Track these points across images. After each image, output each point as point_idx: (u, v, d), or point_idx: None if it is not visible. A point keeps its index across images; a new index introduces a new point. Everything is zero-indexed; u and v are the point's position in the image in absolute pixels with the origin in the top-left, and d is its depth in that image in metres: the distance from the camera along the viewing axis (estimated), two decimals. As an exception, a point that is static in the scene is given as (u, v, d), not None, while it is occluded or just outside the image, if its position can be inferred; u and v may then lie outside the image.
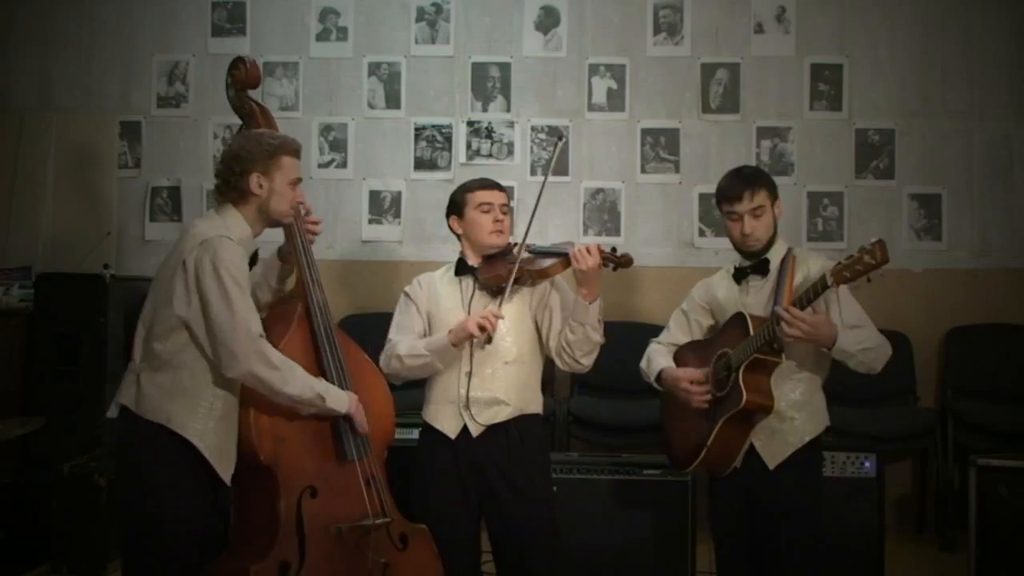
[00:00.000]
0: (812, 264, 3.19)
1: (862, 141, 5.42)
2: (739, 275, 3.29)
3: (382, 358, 3.31)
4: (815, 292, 2.97)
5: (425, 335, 3.34)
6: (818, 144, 5.42)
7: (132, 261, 5.44)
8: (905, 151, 5.40)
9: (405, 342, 3.29)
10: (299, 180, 2.98)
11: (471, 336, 3.16)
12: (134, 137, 5.63)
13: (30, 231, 5.49)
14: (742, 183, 3.21)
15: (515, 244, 3.33)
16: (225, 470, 2.83)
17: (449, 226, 3.41)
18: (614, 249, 3.20)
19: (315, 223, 3.24)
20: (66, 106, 5.66)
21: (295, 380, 2.84)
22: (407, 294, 3.40)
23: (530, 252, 3.28)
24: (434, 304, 3.35)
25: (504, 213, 3.33)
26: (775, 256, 3.24)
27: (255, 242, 2.97)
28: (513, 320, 3.28)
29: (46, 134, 5.58)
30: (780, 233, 3.31)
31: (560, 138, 3.38)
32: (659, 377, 3.35)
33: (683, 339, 3.41)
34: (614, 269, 3.21)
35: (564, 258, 3.21)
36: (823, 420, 3.25)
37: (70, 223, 5.52)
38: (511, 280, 3.19)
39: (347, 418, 2.98)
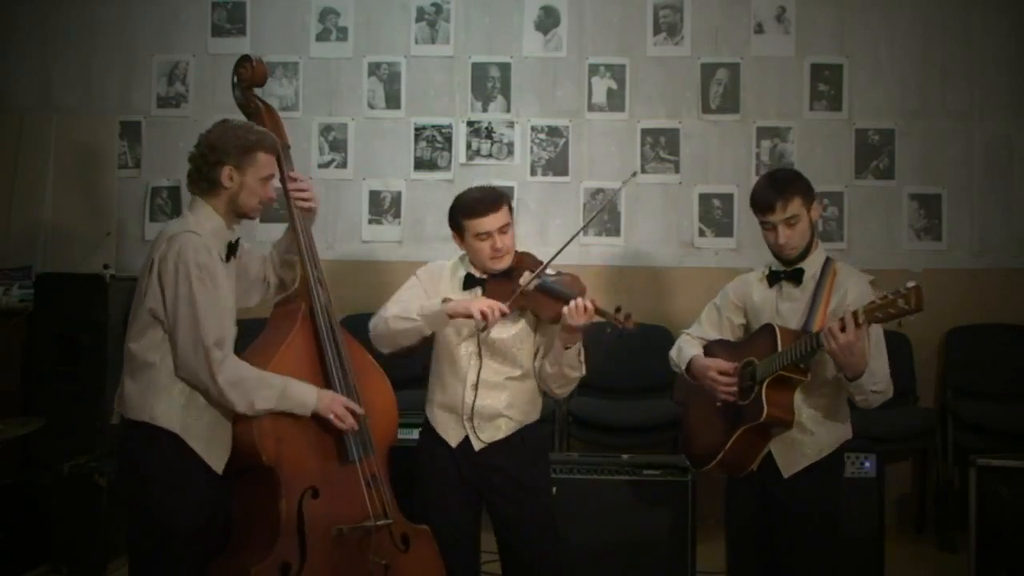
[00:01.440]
0: (851, 288, 3.10)
1: (862, 141, 5.42)
2: (773, 278, 3.24)
3: (371, 321, 3.26)
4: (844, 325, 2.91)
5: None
6: (818, 144, 5.42)
7: (132, 261, 5.43)
8: (905, 151, 5.40)
9: (397, 305, 3.24)
10: (272, 176, 2.95)
11: (469, 315, 3.08)
12: (134, 137, 5.63)
13: (30, 231, 5.49)
14: (774, 193, 3.12)
15: (525, 254, 3.25)
16: (216, 461, 2.83)
17: (453, 240, 3.35)
18: (619, 308, 2.99)
19: (305, 193, 3.16)
20: (66, 106, 5.66)
21: (241, 396, 2.79)
22: (418, 276, 3.36)
23: (540, 288, 3.15)
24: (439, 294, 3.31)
25: (503, 233, 3.20)
26: (811, 266, 3.18)
27: (233, 232, 2.95)
28: (520, 336, 3.25)
29: (46, 134, 5.58)
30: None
31: (634, 174, 3.34)
32: (688, 366, 3.32)
33: (713, 335, 3.37)
34: (617, 337, 3.01)
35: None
36: (844, 434, 3.21)
37: (70, 223, 5.52)
38: (513, 297, 3.12)
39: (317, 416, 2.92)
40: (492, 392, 3.21)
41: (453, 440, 3.23)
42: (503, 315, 3.09)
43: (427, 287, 3.32)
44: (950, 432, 4.99)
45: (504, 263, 3.23)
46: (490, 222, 3.18)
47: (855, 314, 2.87)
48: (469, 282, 3.29)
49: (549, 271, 3.19)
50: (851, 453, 4.04)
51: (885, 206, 5.40)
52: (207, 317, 2.75)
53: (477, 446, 3.21)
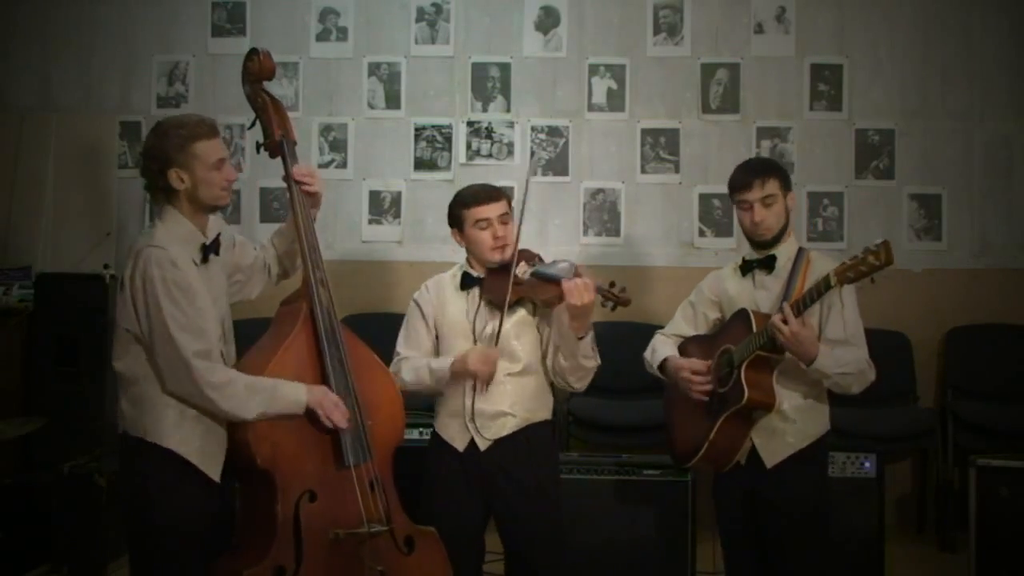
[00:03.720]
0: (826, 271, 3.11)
1: (862, 141, 5.42)
2: (745, 268, 3.29)
3: (391, 369, 3.27)
4: (818, 292, 2.97)
5: (434, 347, 3.33)
6: (818, 144, 5.42)
7: (132, 261, 5.43)
8: (905, 151, 5.40)
9: (410, 364, 3.27)
10: (223, 160, 2.85)
11: (471, 375, 3.16)
12: (134, 137, 5.62)
13: (30, 231, 5.49)
14: (753, 171, 3.25)
15: (523, 251, 3.26)
16: (213, 470, 2.81)
17: (453, 237, 3.37)
18: (613, 284, 3.11)
19: (307, 178, 3.07)
20: (66, 106, 5.66)
21: (230, 400, 2.75)
22: (416, 302, 3.37)
23: (535, 275, 3.20)
24: (440, 311, 3.32)
25: (504, 223, 3.25)
26: (783, 253, 3.25)
27: (212, 229, 2.90)
28: (518, 330, 3.26)
29: (46, 134, 5.58)
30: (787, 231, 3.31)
31: (532, 153, 3.47)
32: (662, 366, 3.33)
33: (688, 331, 3.40)
34: (612, 308, 3.13)
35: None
36: (824, 424, 3.24)
37: (70, 223, 5.52)
38: (505, 307, 3.15)
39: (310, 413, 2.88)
40: (493, 390, 3.20)
41: (460, 444, 3.24)
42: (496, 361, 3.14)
43: (427, 311, 3.33)
44: (950, 432, 4.98)
45: (505, 254, 3.24)
46: (490, 209, 3.24)
47: (793, 304, 2.98)
48: (465, 282, 3.31)
49: (546, 259, 3.24)
50: (851, 453, 4.05)
51: (885, 206, 5.39)
52: (182, 333, 2.71)
53: (483, 445, 3.21)
